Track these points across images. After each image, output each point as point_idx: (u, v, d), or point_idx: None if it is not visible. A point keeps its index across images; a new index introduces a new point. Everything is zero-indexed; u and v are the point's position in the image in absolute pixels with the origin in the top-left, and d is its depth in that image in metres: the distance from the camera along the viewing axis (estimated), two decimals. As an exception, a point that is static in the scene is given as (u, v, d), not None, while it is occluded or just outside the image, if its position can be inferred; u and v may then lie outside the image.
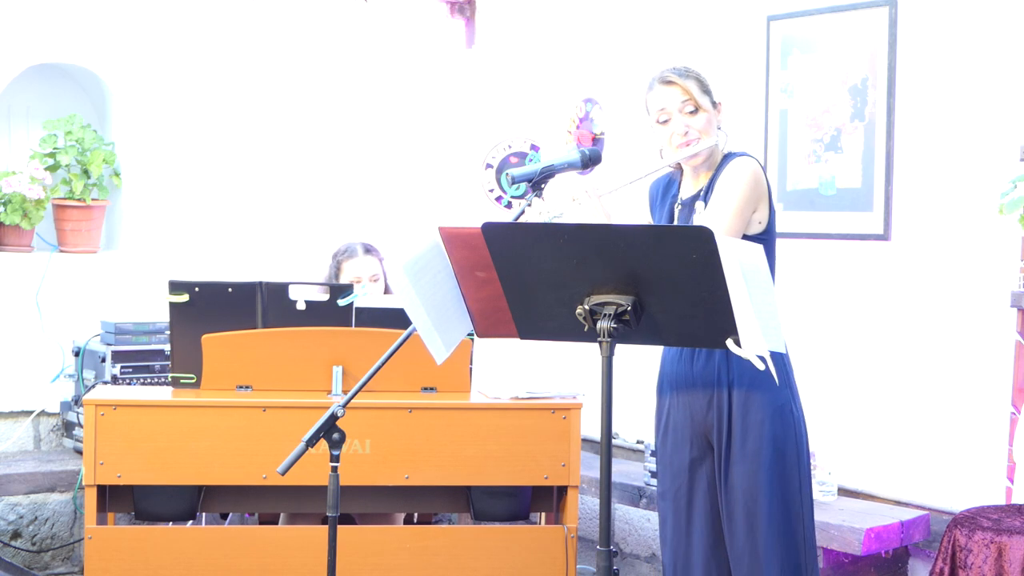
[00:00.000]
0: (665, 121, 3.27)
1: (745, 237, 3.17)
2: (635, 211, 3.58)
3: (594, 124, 5.39)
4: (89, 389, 4.64)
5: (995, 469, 4.04)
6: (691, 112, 3.24)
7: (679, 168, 3.40)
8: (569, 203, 3.28)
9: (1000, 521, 3.54)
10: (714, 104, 3.28)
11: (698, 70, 3.32)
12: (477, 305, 2.96)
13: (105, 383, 4.71)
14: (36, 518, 5.05)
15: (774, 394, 3.19)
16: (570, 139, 5.48)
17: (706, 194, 3.26)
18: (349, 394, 3.03)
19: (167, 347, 4.52)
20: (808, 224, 4.55)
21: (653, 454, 4.61)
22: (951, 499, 4.14)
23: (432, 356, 3.00)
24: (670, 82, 3.26)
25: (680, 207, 3.33)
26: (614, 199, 3.38)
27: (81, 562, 4.73)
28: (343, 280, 4.53)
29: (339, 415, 2.97)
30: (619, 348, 2.76)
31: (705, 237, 2.63)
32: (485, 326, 3.00)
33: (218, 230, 5.48)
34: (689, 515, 3.31)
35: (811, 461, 3.32)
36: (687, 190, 3.35)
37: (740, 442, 3.19)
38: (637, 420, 5.19)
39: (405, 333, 3.07)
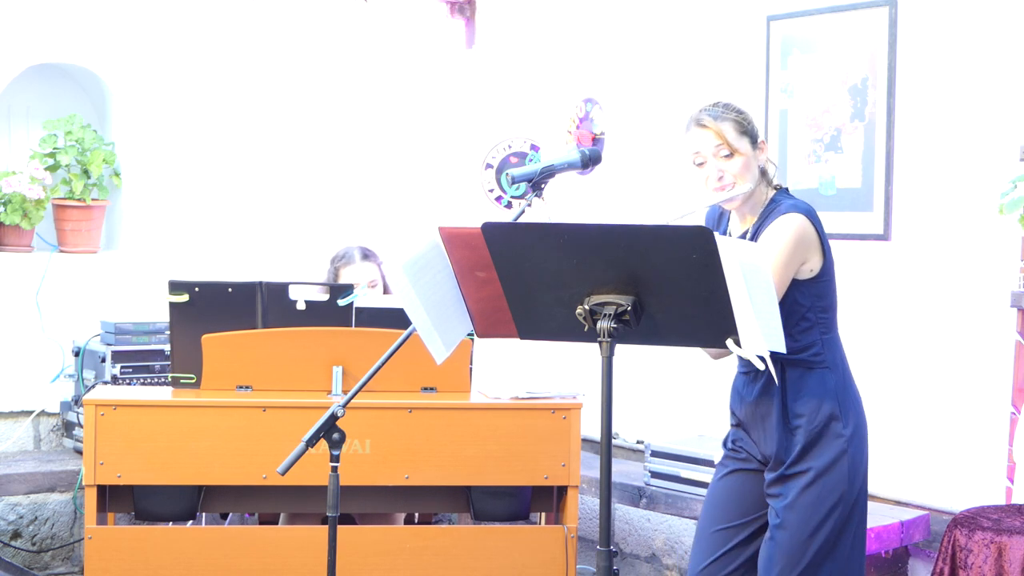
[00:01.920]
0: (700, 164, 3.14)
1: (796, 281, 3.09)
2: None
3: (594, 124, 5.39)
4: (89, 389, 4.64)
5: (995, 469, 4.04)
6: (726, 156, 3.10)
7: None
8: None
9: (1000, 521, 3.54)
10: (755, 143, 3.14)
11: (739, 107, 3.16)
12: (477, 305, 2.96)
13: (105, 383, 4.71)
14: (36, 518, 5.05)
15: (838, 438, 3.10)
16: (570, 139, 5.48)
17: (752, 240, 3.15)
18: (349, 394, 3.03)
19: (167, 347, 4.52)
20: (808, 224, 4.55)
21: (653, 454, 4.61)
22: (951, 499, 4.14)
23: (432, 356, 3.00)
24: (703, 125, 3.12)
25: None
26: None
27: (81, 562, 4.73)
28: (340, 286, 4.53)
29: (339, 415, 2.97)
30: (619, 348, 2.76)
31: (705, 237, 2.63)
32: (485, 326, 2.99)
33: (218, 230, 5.48)
34: (726, 509, 3.27)
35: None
36: (735, 228, 3.26)
37: (797, 481, 3.11)
38: (637, 420, 5.19)
39: (405, 333, 3.07)
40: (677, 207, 3.24)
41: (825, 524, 3.10)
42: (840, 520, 3.12)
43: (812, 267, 3.13)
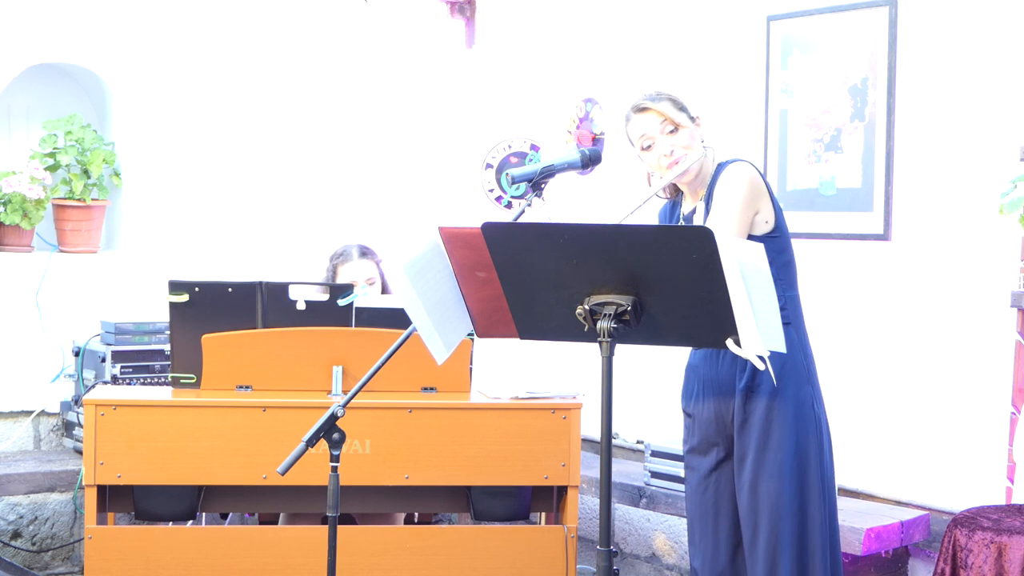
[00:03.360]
0: (649, 147, 3.29)
1: (756, 238, 3.18)
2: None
3: (594, 124, 5.39)
4: (89, 389, 4.64)
5: (995, 469, 4.04)
6: (671, 131, 3.26)
7: (678, 192, 3.41)
8: None
9: (1000, 521, 3.54)
10: (692, 119, 3.30)
11: (669, 91, 3.35)
12: (477, 305, 2.96)
13: (105, 383, 4.71)
14: (36, 518, 5.05)
15: (798, 395, 3.21)
16: (570, 139, 5.48)
17: (707, 206, 3.27)
18: (349, 394, 3.03)
19: (167, 347, 4.52)
20: (808, 224, 4.55)
21: (653, 454, 4.61)
22: (951, 499, 4.14)
23: (432, 356, 3.00)
24: (644, 108, 3.28)
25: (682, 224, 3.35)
26: None
27: (81, 562, 4.73)
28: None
29: (339, 415, 2.97)
30: (619, 348, 2.76)
31: (705, 237, 2.63)
32: (485, 326, 3.00)
33: (218, 230, 5.48)
34: (716, 516, 3.33)
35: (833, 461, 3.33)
36: (687, 208, 3.38)
37: (762, 444, 3.20)
38: (637, 420, 5.19)
39: (405, 333, 3.07)
40: (635, 198, 3.29)
41: (795, 475, 3.19)
42: (810, 478, 3.20)
43: (766, 218, 3.25)
